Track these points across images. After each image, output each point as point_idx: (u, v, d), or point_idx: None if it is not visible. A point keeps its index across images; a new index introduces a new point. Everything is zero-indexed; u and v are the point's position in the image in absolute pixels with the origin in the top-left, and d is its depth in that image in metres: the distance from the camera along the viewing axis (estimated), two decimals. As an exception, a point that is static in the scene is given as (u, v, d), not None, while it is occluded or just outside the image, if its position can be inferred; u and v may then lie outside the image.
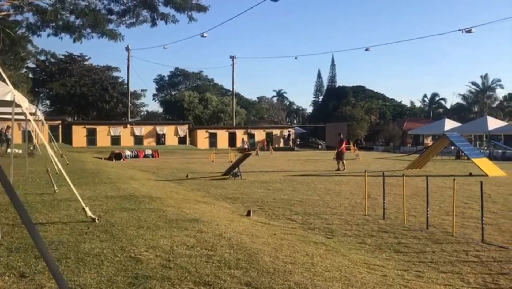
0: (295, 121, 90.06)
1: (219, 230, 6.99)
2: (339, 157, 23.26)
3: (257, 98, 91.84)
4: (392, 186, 14.50)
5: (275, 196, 13.17)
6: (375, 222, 9.46)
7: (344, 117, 63.18)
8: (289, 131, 57.73)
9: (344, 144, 23.80)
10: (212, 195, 13.45)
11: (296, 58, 61.94)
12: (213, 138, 53.16)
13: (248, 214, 9.81)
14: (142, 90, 69.84)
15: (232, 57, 60.84)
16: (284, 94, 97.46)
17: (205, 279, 4.52)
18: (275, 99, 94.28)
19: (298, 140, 63.07)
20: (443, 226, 9.01)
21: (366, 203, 10.60)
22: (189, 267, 4.84)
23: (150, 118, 73.15)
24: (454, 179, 8.76)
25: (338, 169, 22.41)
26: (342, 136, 24.93)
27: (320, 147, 60.94)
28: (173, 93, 78.48)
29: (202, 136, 53.62)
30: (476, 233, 8.26)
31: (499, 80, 69.85)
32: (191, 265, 4.93)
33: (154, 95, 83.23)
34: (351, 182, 16.92)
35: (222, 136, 53.82)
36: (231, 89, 65.90)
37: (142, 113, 74.69)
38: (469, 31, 34.07)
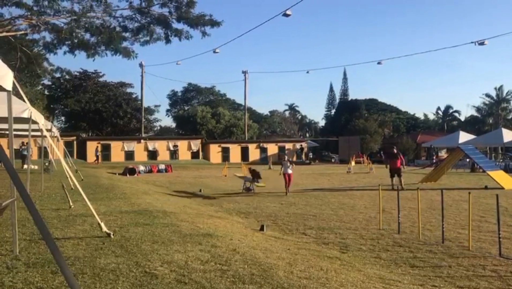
0: (307, 135, 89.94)
1: (233, 244, 7.00)
2: (398, 173, 19.39)
3: (269, 112, 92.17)
4: (406, 199, 14.37)
5: (288, 211, 13.13)
6: (390, 236, 9.38)
7: (357, 130, 62.91)
8: (301, 145, 57.64)
9: (400, 159, 19.78)
10: (225, 209, 13.46)
11: (307, 72, 61.85)
12: (225, 153, 53.27)
13: (262, 228, 9.80)
14: (156, 106, 70.54)
15: (244, 72, 61.21)
16: (296, 108, 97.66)
17: (220, 294, 4.52)
18: (287, 112, 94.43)
19: (311, 153, 62.87)
20: (459, 240, 8.90)
21: (381, 217, 10.52)
22: (203, 282, 4.85)
23: (163, 133, 73.71)
24: (469, 192, 8.67)
25: (396, 187, 16.99)
26: (396, 150, 21.15)
27: (333, 160, 60.69)
28: (186, 108, 79.06)
29: (215, 151, 53.77)
30: (493, 247, 8.14)
31: (513, 92, 69.25)
32: (206, 280, 4.93)
33: (167, 110, 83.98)
34: (365, 196, 16.81)
35: (235, 151, 53.90)
36: (243, 104, 66.34)
37: (155, 128, 75.33)
38: (482, 43, 33.86)
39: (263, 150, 54.80)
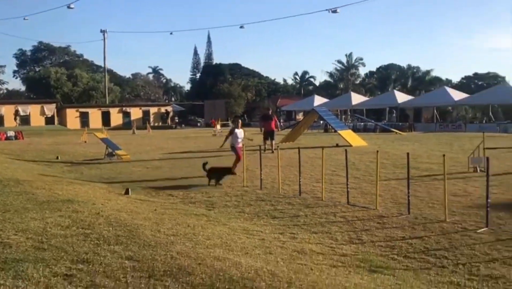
0: (173, 99, 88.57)
1: (96, 209, 6.75)
2: (271, 136, 18.18)
3: (132, 75, 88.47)
4: (268, 158, 15.13)
5: (154, 174, 12.99)
6: (253, 192, 9.88)
7: (222, 95, 63.90)
8: (166, 109, 56.73)
9: (275, 121, 18.91)
10: (87, 176, 12.83)
11: (171, 33, 60.39)
12: (84, 118, 50.00)
13: (127, 192, 9.58)
14: (0, 66, 62.93)
15: (103, 31, 57.46)
16: (160, 71, 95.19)
17: (83, 257, 4.36)
18: (151, 76, 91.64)
19: (176, 118, 62.32)
20: (314, 192, 9.73)
21: (245, 176, 10.98)
22: (65, 246, 4.63)
23: (12, 97, 66.46)
24: (322, 149, 9.47)
25: (268, 149, 17.45)
26: (271, 111, 20.23)
27: (199, 124, 61.00)
28: (37, 69, 71.97)
29: (72, 116, 50.17)
30: (342, 197, 9.07)
31: (361, 59, 75.97)
32: (67, 244, 4.71)
33: (14, 71, 75.65)
34: (231, 157, 17.29)
35: (95, 115, 50.86)
36: (102, 65, 62.43)
37: (0, 92, 67.58)
38: (334, 11, 36.38)
39: (126, 115, 52.74)
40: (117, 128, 46.21)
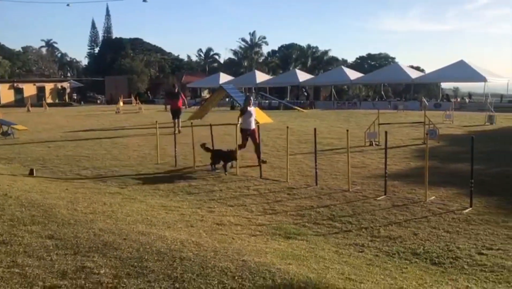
0: (69, 74, 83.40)
1: (2, 190, 6.41)
2: (177, 114, 17.38)
3: (22, 48, 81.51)
4: (178, 136, 15.10)
5: (57, 153, 12.40)
6: (167, 170, 9.90)
7: (124, 70, 61.56)
8: (61, 86, 53.39)
9: (182, 99, 18.13)
10: (-19, 156, 11.89)
11: (68, 5, 56.73)
12: (-31, 94, 45.63)
13: (31, 172, 9.12)
14: None
15: (-13, -1, 52.21)
16: (55, 45, 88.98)
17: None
18: (44, 49, 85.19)
19: (75, 94, 58.95)
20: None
21: (158, 153, 10.92)
22: (-24, 229, 4.42)
23: None
24: (236, 126, 9.74)
25: (178, 132, 16.04)
26: (177, 88, 19.08)
27: (99, 101, 58.32)
28: None
29: (-47, 92, 45.47)
30: (254, 172, 9.45)
31: (264, 37, 77.41)
32: (-21, 227, 4.50)
33: None
34: (138, 135, 17.00)
35: (-19, 92, 46.59)
36: (-12, 37, 56.76)
37: None
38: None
39: (19, 91, 48.85)
40: (8, 105, 42.70)
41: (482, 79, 34.68)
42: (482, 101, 33.90)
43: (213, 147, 10.12)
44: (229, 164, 9.67)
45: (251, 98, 11.47)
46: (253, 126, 10.55)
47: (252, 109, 10.73)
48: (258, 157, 9.95)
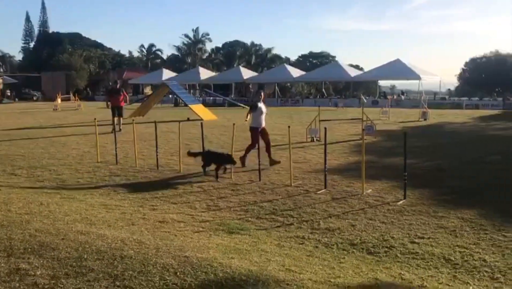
0: (1, 70, 78.90)
1: None
2: (119, 111, 16.86)
3: None
4: (118, 133, 14.77)
5: (-11, 153, 11.78)
6: (107, 168, 9.66)
7: (62, 66, 59.20)
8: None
9: (123, 96, 17.47)
10: None
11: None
12: None
13: (-40, 173, 8.61)
14: None
15: None
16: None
17: None
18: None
19: (9, 91, 55.90)
20: (169, 165, 9.91)
21: (98, 151, 10.63)
22: None
23: None
24: (179, 123, 9.66)
25: (119, 129, 15.83)
26: (118, 85, 18.49)
27: (35, 98, 55.66)
28: None
29: None
30: (198, 168, 9.41)
31: (207, 34, 76.92)
32: None
33: None
34: (76, 132, 16.45)
35: None
36: None
37: None
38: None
39: None
40: None
41: (417, 77, 36.42)
42: (417, 98, 35.63)
43: (203, 149, 9.12)
44: (223, 168, 8.76)
45: (262, 92, 10.49)
46: (263, 123, 9.85)
47: (262, 105, 9.89)
48: (269, 156, 9.66)
